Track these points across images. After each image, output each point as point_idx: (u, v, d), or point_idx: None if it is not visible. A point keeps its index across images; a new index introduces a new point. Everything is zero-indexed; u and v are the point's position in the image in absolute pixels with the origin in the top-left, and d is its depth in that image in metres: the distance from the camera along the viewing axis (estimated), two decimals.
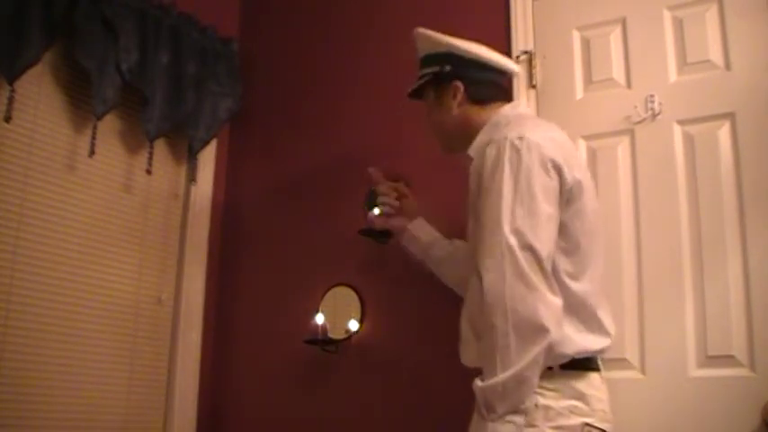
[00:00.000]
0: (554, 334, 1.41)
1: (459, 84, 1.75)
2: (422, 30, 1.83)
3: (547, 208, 1.47)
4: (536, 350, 1.39)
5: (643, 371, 1.92)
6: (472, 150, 1.69)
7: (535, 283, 1.41)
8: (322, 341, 2.34)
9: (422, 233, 1.95)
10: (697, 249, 1.93)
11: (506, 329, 1.39)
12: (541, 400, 1.45)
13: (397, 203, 1.97)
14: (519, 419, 1.40)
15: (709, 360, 1.85)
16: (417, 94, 1.86)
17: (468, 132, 1.72)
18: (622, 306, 1.95)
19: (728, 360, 1.83)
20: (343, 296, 2.41)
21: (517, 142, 1.49)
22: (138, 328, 2.50)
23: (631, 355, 1.92)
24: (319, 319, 2.35)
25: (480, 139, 1.68)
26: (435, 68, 1.77)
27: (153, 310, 2.56)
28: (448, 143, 1.80)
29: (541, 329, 1.40)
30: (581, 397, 1.50)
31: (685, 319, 1.90)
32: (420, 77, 1.82)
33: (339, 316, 2.40)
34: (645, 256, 1.98)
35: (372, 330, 2.36)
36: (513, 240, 1.42)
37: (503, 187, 1.46)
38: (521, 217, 1.43)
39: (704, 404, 1.82)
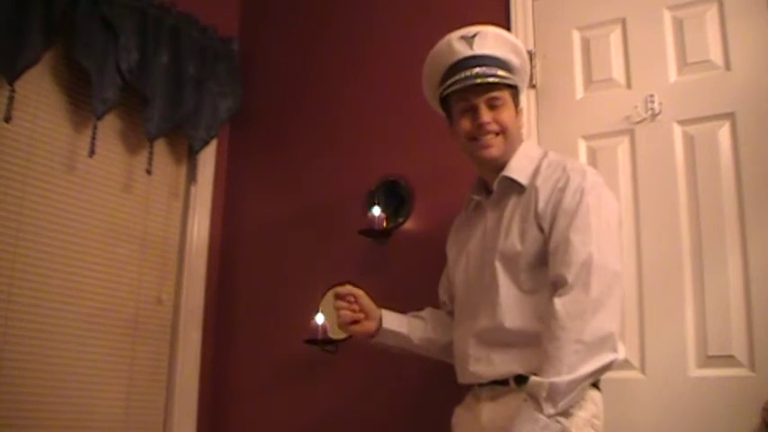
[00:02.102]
0: (618, 352, 1.50)
1: (522, 110, 1.82)
2: (513, 37, 1.85)
3: (618, 236, 1.64)
4: (603, 361, 1.46)
5: (643, 371, 1.92)
6: (514, 173, 1.71)
7: (614, 301, 1.52)
8: (322, 341, 2.34)
9: (396, 326, 1.87)
10: (697, 249, 1.93)
11: (579, 337, 1.45)
12: (575, 409, 1.49)
13: (357, 308, 1.82)
14: (566, 423, 1.45)
15: (709, 360, 1.85)
16: (491, 84, 1.73)
17: (509, 153, 1.75)
18: (622, 306, 1.94)
19: (728, 360, 1.83)
20: None
21: (598, 180, 1.67)
22: (138, 328, 2.50)
23: (631, 355, 1.92)
24: (319, 319, 2.35)
25: (521, 164, 1.73)
26: (515, 81, 1.77)
27: (153, 310, 2.56)
28: (502, 149, 1.73)
29: (613, 344, 1.48)
30: (597, 412, 1.56)
31: (685, 319, 1.90)
32: (500, 75, 1.73)
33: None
34: (645, 256, 1.98)
35: None
36: (601, 261, 1.52)
37: (593, 218, 1.59)
38: (608, 244, 1.57)
39: (704, 404, 1.82)
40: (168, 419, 2.53)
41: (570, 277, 1.51)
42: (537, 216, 1.63)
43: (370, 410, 2.31)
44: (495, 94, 1.72)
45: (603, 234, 1.56)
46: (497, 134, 1.72)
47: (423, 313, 1.93)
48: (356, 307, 1.83)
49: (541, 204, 1.63)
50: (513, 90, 1.76)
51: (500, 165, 1.74)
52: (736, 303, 1.85)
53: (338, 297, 1.83)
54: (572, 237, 1.55)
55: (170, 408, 2.53)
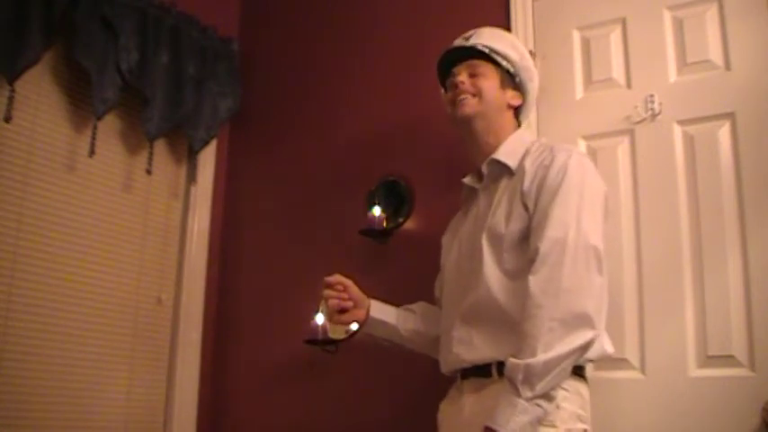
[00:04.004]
0: (598, 330, 1.48)
1: (521, 98, 1.83)
2: (513, 37, 1.94)
3: (602, 218, 1.62)
4: (580, 340, 1.44)
5: (643, 371, 1.92)
6: (502, 156, 1.73)
7: (592, 279, 1.49)
8: (322, 341, 2.33)
9: (385, 316, 1.89)
10: (697, 249, 1.92)
11: (554, 314, 1.44)
12: (561, 402, 1.48)
13: (346, 297, 1.85)
14: (548, 406, 1.43)
15: (709, 360, 1.85)
16: (479, 53, 1.80)
17: (492, 130, 1.77)
18: (622, 306, 1.95)
19: (728, 360, 1.83)
20: None
21: (586, 161, 1.69)
22: (138, 328, 2.50)
23: (631, 355, 1.92)
24: (319, 319, 2.35)
25: (511, 149, 1.74)
26: (507, 66, 1.80)
27: (153, 310, 2.56)
28: (476, 109, 1.76)
29: (589, 321, 1.46)
30: (584, 404, 1.55)
31: (685, 319, 1.89)
32: (495, 51, 1.80)
33: None
34: (645, 256, 1.98)
35: None
36: (579, 239, 1.51)
37: (574, 195, 1.58)
38: (588, 221, 1.55)
39: (704, 404, 1.82)
40: (168, 419, 2.53)
41: (543, 250, 1.50)
42: (522, 195, 1.63)
43: (370, 410, 2.31)
44: (476, 62, 1.79)
45: (585, 211, 1.55)
46: (473, 96, 1.76)
47: (413, 306, 1.94)
48: (345, 295, 1.84)
49: (527, 183, 1.64)
50: (503, 71, 1.80)
51: (491, 149, 1.76)
52: (736, 303, 1.85)
53: (327, 285, 1.84)
54: (551, 212, 1.55)
55: (170, 408, 2.53)
